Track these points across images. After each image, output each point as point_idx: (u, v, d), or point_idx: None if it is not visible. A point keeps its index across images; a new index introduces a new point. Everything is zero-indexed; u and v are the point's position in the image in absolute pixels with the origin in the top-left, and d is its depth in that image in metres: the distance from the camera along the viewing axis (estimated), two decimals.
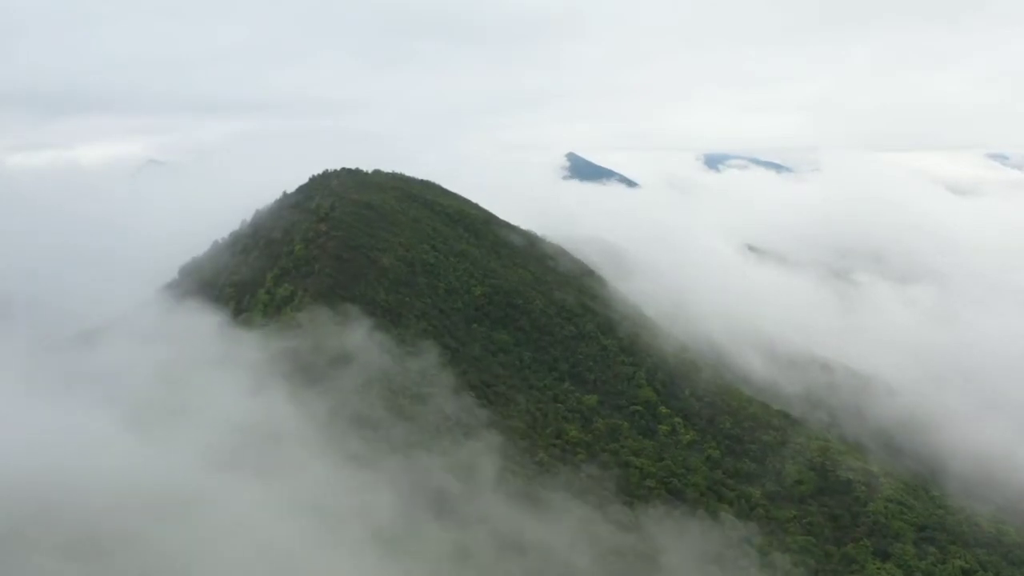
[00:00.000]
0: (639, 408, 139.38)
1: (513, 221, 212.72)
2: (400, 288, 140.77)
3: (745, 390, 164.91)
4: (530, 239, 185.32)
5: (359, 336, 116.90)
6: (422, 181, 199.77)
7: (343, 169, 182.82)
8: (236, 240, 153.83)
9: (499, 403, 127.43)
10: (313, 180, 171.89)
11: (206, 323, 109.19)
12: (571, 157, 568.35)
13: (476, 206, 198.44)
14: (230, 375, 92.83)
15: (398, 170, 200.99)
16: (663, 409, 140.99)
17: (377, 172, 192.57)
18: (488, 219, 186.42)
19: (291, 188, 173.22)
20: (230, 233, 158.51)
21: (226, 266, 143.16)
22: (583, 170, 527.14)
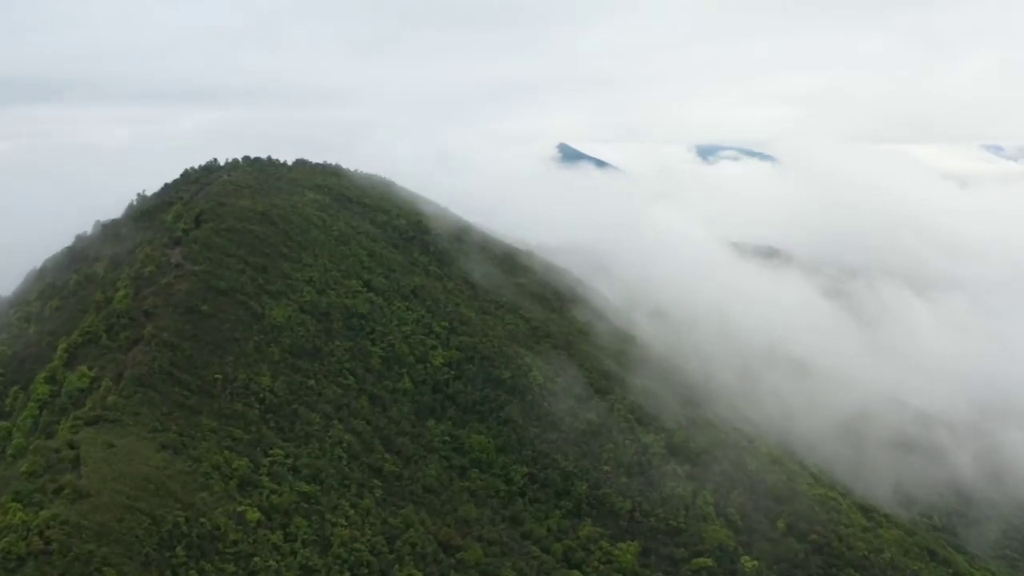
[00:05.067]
0: (708, 564, 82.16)
1: (498, 225, 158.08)
2: (302, 362, 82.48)
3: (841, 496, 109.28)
4: (517, 263, 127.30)
5: None
6: (368, 177, 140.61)
7: (245, 159, 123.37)
8: (42, 275, 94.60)
9: None
10: (187, 175, 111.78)
11: None
12: (563, 148, 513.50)
13: (445, 212, 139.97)
14: None
15: (372, 165, 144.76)
16: (748, 561, 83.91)
17: (301, 163, 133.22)
18: (461, 233, 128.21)
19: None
20: (44, 262, 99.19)
21: (6, 324, 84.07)
22: (575, 162, 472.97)
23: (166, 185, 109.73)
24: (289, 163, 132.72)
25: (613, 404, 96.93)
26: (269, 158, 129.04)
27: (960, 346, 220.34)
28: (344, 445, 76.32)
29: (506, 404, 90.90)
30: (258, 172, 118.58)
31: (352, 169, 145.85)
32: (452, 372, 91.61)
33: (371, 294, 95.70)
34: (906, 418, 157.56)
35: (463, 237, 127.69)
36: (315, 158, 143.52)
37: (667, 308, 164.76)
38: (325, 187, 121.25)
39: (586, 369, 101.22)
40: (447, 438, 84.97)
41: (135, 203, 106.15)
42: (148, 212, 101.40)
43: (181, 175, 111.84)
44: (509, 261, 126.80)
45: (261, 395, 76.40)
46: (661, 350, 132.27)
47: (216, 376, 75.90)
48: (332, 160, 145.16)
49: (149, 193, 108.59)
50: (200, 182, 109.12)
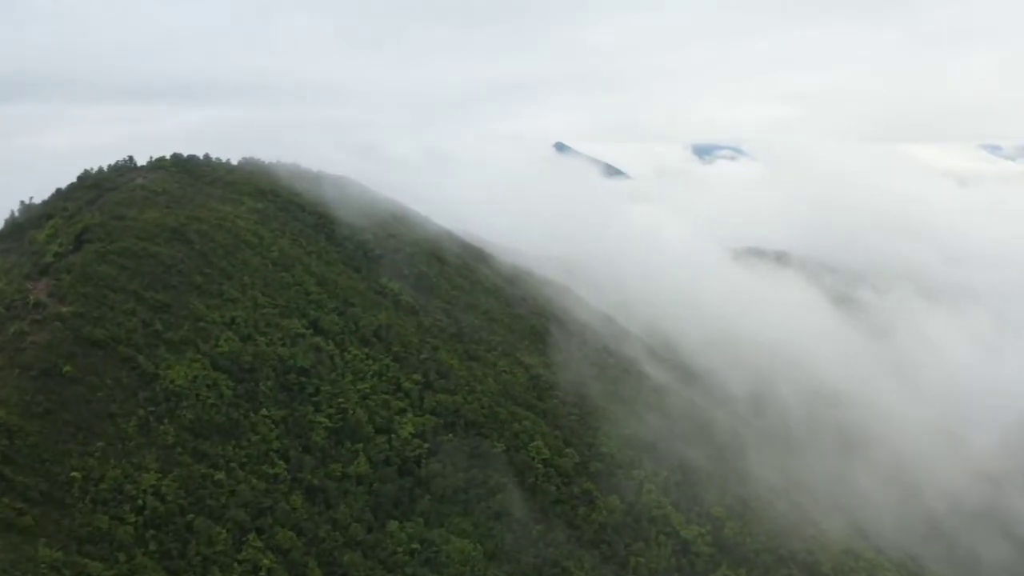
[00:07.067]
0: None
1: (491, 233, 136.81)
2: (208, 445, 58.25)
3: None
4: (513, 286, 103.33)
5: None
6: (333, 180, 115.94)
7: (175, 156, 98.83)
8: None
9: None
10: (85, 180, 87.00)
11: None
12: (559, 147, 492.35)
13: (426, 221, 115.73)
14: None
15: (366, 166, 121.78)
16: None
17: (248, 162, 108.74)
18: (444, 248, 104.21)
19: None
20: None
21: None
22: (571, 161, 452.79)
23: (58, 191, 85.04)
24: (234, 162, 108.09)
25: (642, 483, 73.20)
26: (206, 156, 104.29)
27: (994, 368, 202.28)
28: (262, 574, 52.25)
29: (499, 490, 66.94)
30: (186, 175, 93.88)
31: (316, 170, 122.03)
32: (426, 446, 67.54)
33: (318, 338, 71.50)
34: (958, 458, 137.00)
35: (445, 255, 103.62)
36: (310, 158, 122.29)
37: (673, 327, 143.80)
38: (271, 193, 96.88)
39: (604, 433, 77.43)
40: (416, 546, 60.98)
41: (15, 214, 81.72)
42: (21, 228, 76.94)
43: (78, 178, 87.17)
44: (503, 284, 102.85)
45: (141, 501, 52.19)
46: (683, 394, 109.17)
47: (74, 475, 51.68)
48: (327, 161, 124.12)
49: (39, 201, 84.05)
50: (101, 187, 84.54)
